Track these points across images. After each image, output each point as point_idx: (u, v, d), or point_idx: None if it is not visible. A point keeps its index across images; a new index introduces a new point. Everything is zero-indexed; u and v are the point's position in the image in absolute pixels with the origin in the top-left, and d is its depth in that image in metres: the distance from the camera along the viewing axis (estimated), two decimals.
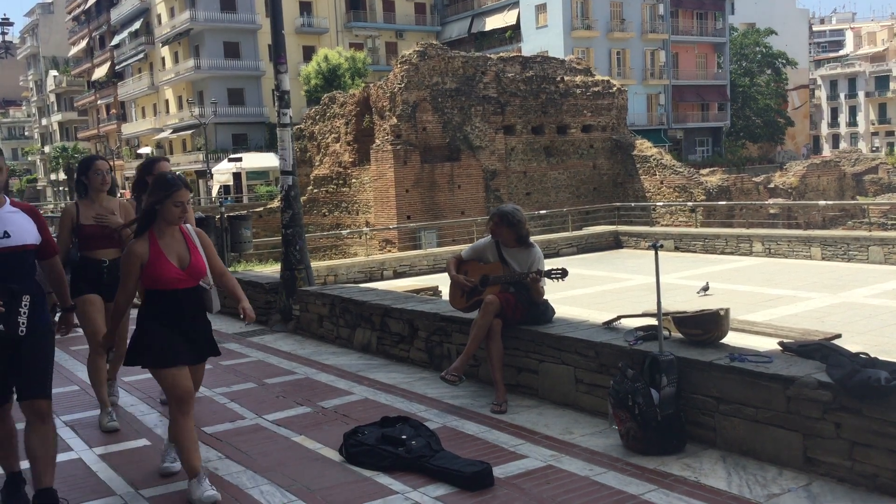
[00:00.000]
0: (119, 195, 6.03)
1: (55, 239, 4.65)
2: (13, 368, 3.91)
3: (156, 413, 5.88)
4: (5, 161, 4.06)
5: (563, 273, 5.69)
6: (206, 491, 4.06)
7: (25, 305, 3.85)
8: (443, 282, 6.74)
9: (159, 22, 58.08)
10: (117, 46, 65.06)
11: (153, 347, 4.11)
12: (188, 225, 4.36)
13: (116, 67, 65.95)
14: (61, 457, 4.61)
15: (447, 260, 6.25)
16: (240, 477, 4.54)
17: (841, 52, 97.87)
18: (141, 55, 61.22)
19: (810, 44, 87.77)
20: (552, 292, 6.21)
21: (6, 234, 3.85)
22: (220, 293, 4.55)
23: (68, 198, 71.15)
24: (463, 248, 6.59)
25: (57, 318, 4.42)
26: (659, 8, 54.65)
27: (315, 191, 30.97)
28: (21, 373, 3.91)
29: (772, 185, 34.59)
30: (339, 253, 27.29)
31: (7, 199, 3.96)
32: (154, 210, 4.18)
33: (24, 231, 3.93)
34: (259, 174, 48.12)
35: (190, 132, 53.35)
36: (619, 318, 5.78)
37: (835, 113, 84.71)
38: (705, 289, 13.72)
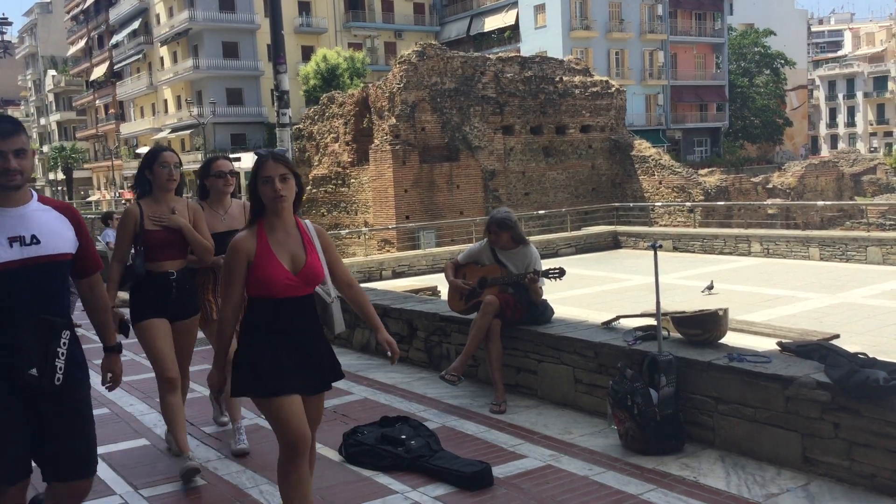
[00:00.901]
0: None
1: (113, 246, 3.69)
2: (37, 431, 2.90)
3: (155, 413, 5.87)
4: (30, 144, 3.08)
5: (561, 272, 5.71)
6: None
7: (65, 345, 2.90)
8: (442, 282, 6.74)
9: (158, 22, 58.05)
10: (116, 46, 65.03)
11: (257, 370, 3.29)
12: (307, 221, 3.59)
13: (115, 67, 65.91)
14: None
15: (445, 263, 6.25)
16: (239, 477, 4.55)
17: (839, 53, 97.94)
18: (139, 55, 61.21)
19: (809, 44, 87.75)
20: (551, 292, 6.22)
21: (34, 240, 2.91)
22: (345, 308, 3.76)
23: (66, 197, 71.10)
24: (461, 250, 6.60)
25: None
26: (658, 8, 54.66)
27: (314, 191, 30.94)
28: (52, 442, 2.91)
29: (770, 186, 34.59)
30: (337, 252, 27.27)
31: (34, 194, 3.05)
32: (259, 199, 3.39)
33: (57, 236, 2.99)
34: None
35: (188, 132, 53.32)
36: (618, 318, 5.80)
37: (833, 113, 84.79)
38: (710, 287, 13.70)
